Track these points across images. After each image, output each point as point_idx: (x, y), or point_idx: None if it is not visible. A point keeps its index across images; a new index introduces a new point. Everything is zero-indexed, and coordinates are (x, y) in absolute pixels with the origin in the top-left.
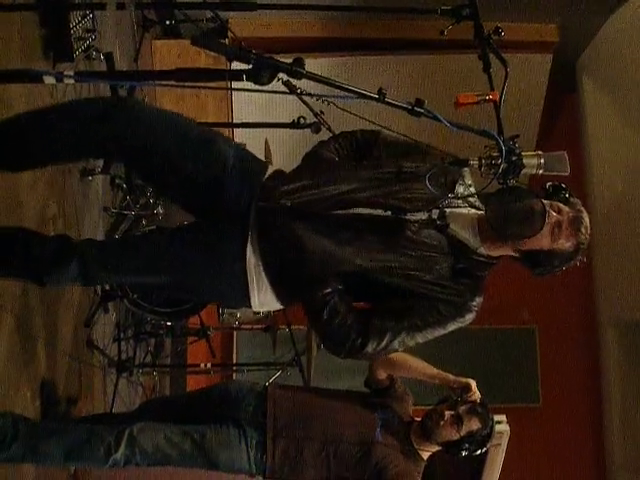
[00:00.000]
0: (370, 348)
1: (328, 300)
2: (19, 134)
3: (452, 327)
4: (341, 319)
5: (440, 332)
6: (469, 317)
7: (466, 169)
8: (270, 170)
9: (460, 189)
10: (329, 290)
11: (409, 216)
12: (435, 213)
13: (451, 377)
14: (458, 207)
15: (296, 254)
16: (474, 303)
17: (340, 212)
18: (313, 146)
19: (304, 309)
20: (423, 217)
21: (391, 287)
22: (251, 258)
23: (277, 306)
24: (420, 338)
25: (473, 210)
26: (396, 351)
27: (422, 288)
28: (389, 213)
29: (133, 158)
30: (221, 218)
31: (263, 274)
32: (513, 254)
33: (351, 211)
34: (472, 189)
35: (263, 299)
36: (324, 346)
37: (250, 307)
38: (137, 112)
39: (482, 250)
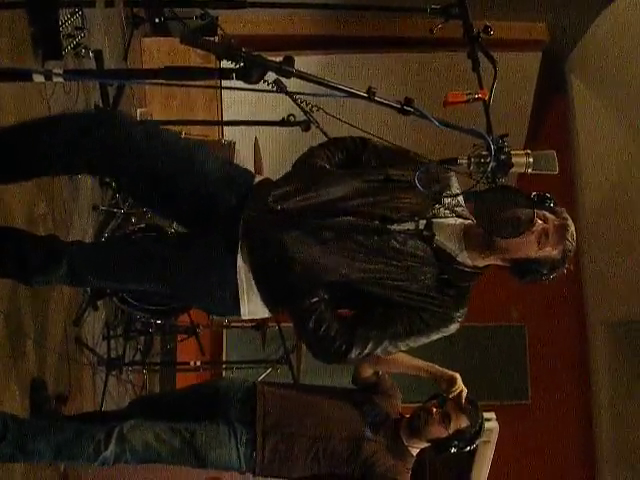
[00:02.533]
0: (353, 355)
1: (314, 309)
2: (4, 149)
3: (435, 337)
4: (326, 328)
5: (423, 341)
6: (453, 327)
7: (453, 178)
8: (258, 179)
9: (447, 199)
10: (315, 299)
11: (396, 226)
12: (422, 223)
13: (437, 368)
14: (445, 217)
15: (283, 263)
16: (458, 314)
17: (328, 220)
18: (303, 153)
19: (290, 317)
20: (410, 227)
21: (376, 296)
22: (241, 267)
23: (265, 314)
24: (403, 346)
25: (460, 220)
26: (378, 357)
27: (407, 298)
28: (376, 222)
29: (116, 173)
30: (211, 227)
31: (253, 283)
32: (501, 263)
33: (339, 219)
34: (459, 198)
35: (253, 308)
36: (310, 352)
37: (239, 315)
38: (120, 126)
39: (468, 261)
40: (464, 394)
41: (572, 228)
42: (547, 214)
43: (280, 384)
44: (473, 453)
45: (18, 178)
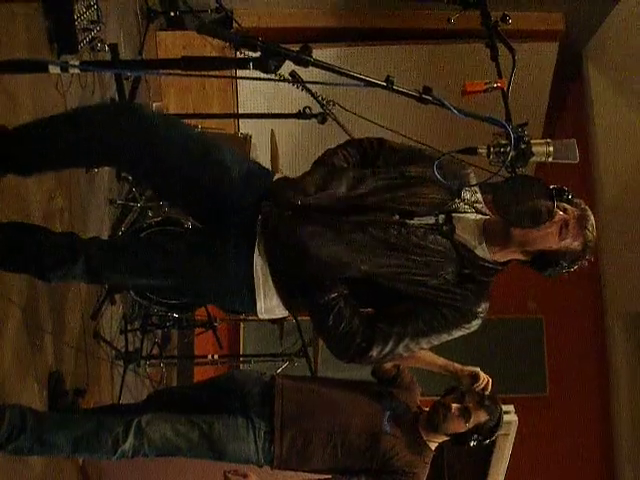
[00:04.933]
0: (374, 353)
1: (334, 305)
2: (26, 143)
3: (458, 333)
4: (346, 324)
5: (445, 338)
6: (475, 323)
7: (472, 175)
8: (277, 177)
9: (467, 194)
10: (334, 295)
11: (416, 221)
12: (441, 218)
13: (457, 366)
14: (465, 212)
15: (301, 259)
16: (480, 309)
17: (347, 216)
18: (321, 154)
19: (309, 314)
20: (430, 222)
21: (396, 292)
22: (258, 264)
23: (283, 313)
24: (425, 343)
25: (479, 215)
26: (400, 356)
27: (427, 294)
28: (396, 217)
29: (136, 165)
30: (228, 224)
31: (270, 280)
32: (521, 257)
33: (358, 215)
34: (478, 195)
35: (269, 305)
36: (329, 350)
37: (255, 313)
38: (140, 119)
39: (488, 255)
40: (489, 386)
41: (592, 219)
42: (566, 205)
43: (298, 377)
44: (492, 446)
45: (38, 170)
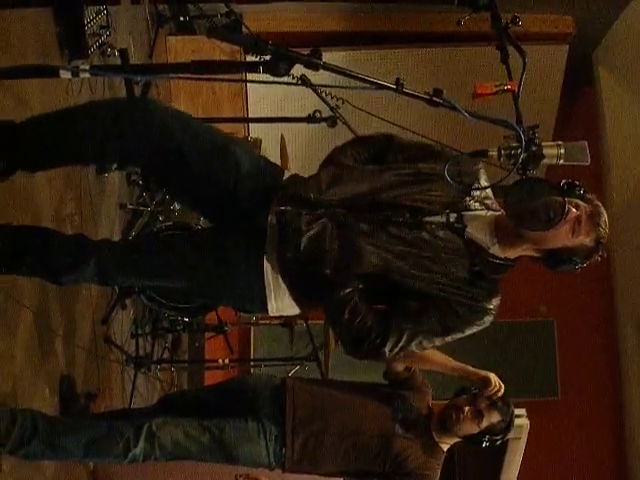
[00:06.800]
0: (388, 349)
1: (349, 300)
2: (36, 136)
3: (470, 330)
4: (361, 319)
5: (458, 335)
6: (487, 320)
7: (482, 171)
8: (287, 174)
9: (477, 191)
10: (349, 290)
11: (427, 218)
12: (453, 216)
13: (470, 369)
14: (475, 209)
15: (314, 256)
16: (491, 306)
17: (359, 213)
18: (329, 152)
19: (324, 310)
20: (441, 219)
21: (409, 289)
22: (268, 263)
23: (295, 311)
24: (438, 341)
25: (490, 212)
26: (413, 353)
27: (440, 291)
28: (407, 215)
29: (147, 161)
30: (238, 223)
31: (281, 279)
32: (533, 254)
33: (371, 212)
34: (488, 190)
35: (280, 305)
36: (343, 347)
37: (267, 313)
38: (152, 113)
39: (499, 253)
40: (501, 391)
41: (605, 215)
42: (579, 202)
43: (309, 380)
44: (503, 449)
45: (48, 166)
